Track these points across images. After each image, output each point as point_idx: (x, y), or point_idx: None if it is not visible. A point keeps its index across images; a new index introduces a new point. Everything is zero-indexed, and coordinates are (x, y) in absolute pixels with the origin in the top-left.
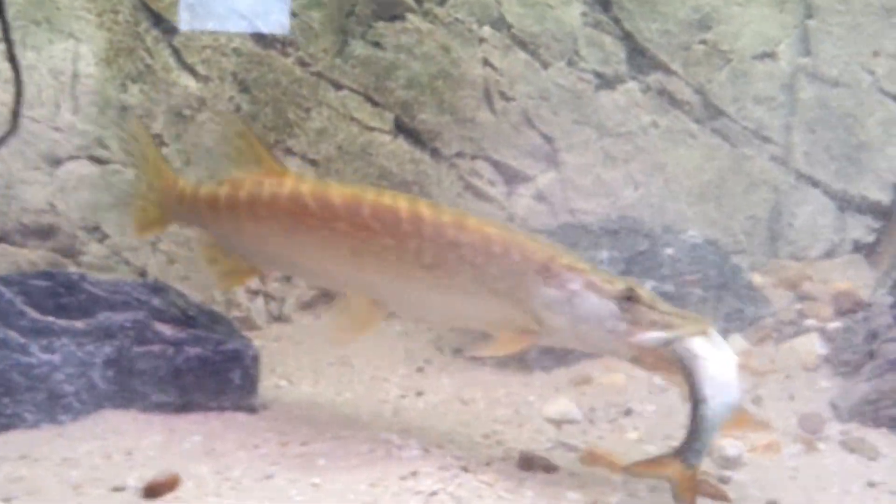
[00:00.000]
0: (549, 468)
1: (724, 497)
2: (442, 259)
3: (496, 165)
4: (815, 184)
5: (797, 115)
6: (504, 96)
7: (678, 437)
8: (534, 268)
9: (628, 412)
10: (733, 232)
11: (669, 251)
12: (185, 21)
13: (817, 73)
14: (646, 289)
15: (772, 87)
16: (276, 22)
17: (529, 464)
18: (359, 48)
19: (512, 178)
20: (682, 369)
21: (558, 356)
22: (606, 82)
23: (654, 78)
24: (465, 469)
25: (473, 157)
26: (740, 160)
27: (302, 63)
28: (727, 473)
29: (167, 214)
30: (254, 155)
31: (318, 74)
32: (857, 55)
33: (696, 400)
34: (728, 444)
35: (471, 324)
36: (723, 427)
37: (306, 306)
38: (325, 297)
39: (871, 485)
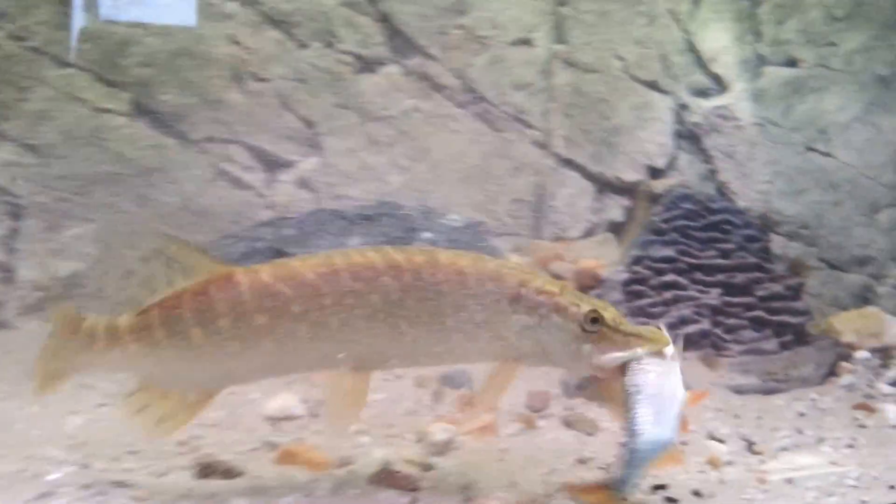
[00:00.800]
0: (229, 473)
1: (413, 487)
2: (424, 302)
3: (252, 150)
4: (574, 167)
5: (555, 101)
6: (256, 77)
7: (401, 425)
8: (507, 295)
9: None
10: (498, 215)
11: (428, 235)
12: None
13: (571, 59)
14: (612, 309)
15: (529, 72)
16: None
17: (207, 471)
18: (85, 20)
19: (271, 163)
20: (624, 400)
21: None
22: (367, 65)
23: (415, 62)
24: (119, 484)
25: (226, 142)
26: (503, 144)
27: (16, 37)
28: (433, 460)
29: (71, 364)
30: (189, 263)
31: (36, 50)
32: (608, 42)
33: (629, 431)
34: (438, 428)
35: (460, 360)
36: (654, 462)
37: (30, 310)
38: (52, 298)
39: (582, 461)
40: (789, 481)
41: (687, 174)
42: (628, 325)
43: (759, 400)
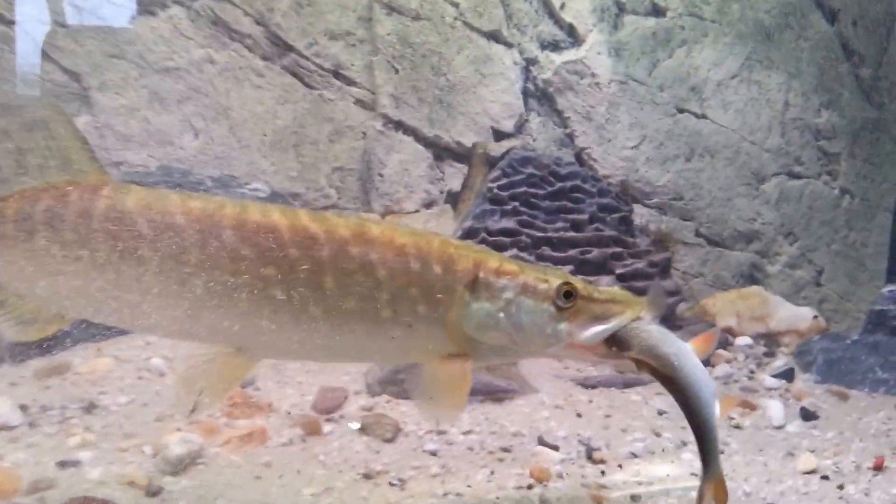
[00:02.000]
0: None
1: None
2: (348, 286)
3: None
4: (405, 130)
5: (378, 53)
6: (2, 19)
7: (144, 434)
8: (461, 280)
9: (91, 407)
10: (319, 185)
11: None
12: None
13: (395, 4)
14: (577, 278)
15: (346, 19)
16: None
17: None
18: None
19: None
20: (671, 381)
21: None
22: (143, 7)
23: (203, 3)
24: None
25: None
26: (320, 104)
27: None
28: (165, 481)
29: None
30: (69, 154)
31: None
32: None
33: (694, 408)
34: (176, 439)
35: (385, 359)
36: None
37: None
38: None
39: (368, 475)
40: (635, 499)
41: (540, 139)
42: (598, 290)
43: (612, 395)
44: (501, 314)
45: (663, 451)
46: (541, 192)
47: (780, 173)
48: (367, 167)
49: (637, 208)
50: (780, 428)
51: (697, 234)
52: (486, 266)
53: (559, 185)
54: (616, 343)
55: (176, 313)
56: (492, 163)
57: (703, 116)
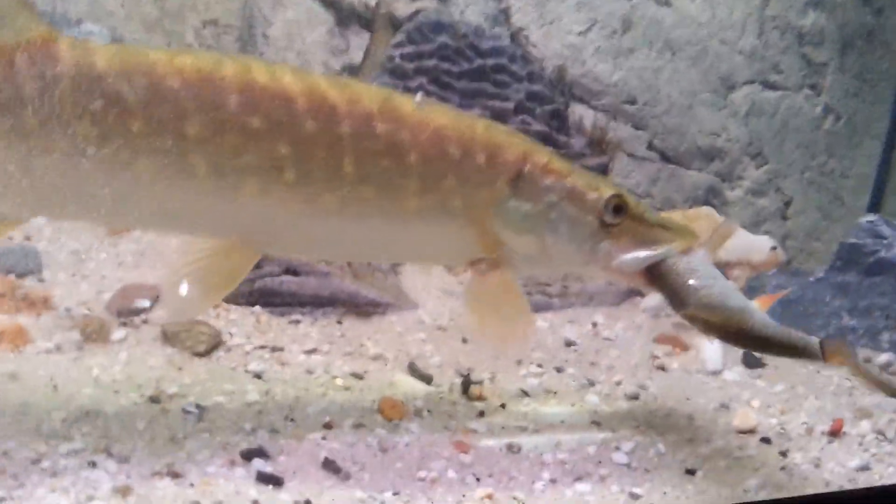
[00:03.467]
0: None
1: None
2: (371, 167)
3: None
4: None
5: None
6: None
7: None
8: (504, 174)
9: None
10: (184, 40)
11: None
12: None
13: None
14: (633, 196)
15: None
16: None
17: None
18: None
19: None
20: (725, 311)
21: None
22: None
23: None
24: None
25: None
26: None
27: None
28: None
29: None
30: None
31: None
32: None
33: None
34: None
35: (421, 259)
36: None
37: None
38: None
39: (155, 399)
40: (512, 449)
41: (468, 11)
42: (652, 213)
43: None
44: (540, 218)
45: (562, 391)
46: (456, 68)
47: (752, 81)
48: (247, 25)
49: (580, 109)
50: (715, 374)
51: (650, 147)
52: (533, 160)
53: (479, 61)
54: (657, 277)
55: (171, 202)
56: (397, 26)
57: (667, 3)
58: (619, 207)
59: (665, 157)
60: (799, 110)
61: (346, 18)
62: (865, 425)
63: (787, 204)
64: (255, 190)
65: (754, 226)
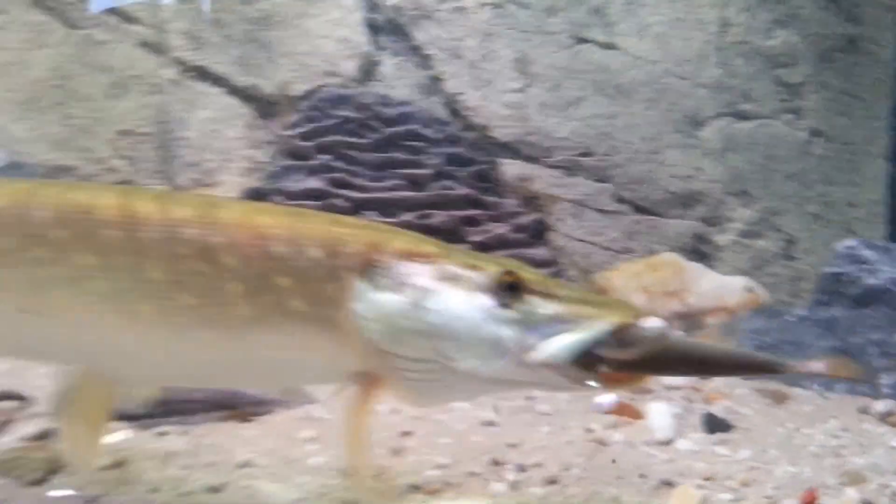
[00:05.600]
0: None
1: None
2: (187, 279)
3: None
4: (211, 79)
5: None
6: None
7: None
8: (349, 265)
9: None
10: (98, 154)
11: None
12: None
13: None
14: (529, 268)
15: None
16: None
17: None
18: None
19: None
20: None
21: None
22: None
23: None
24: None
25: None
26: (90, 47)
27: None
28: None
29: None
30: None
31: None
32: None
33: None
34: None
35: (267, 380)
36: None
37: None
38: None
39: None
40: None
41: (399, 85)
42: (572, 289)
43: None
44: (415, 311)
45: (464, 482)
46: (362, 140)
47: (722, 114)
48: (163, 130)
49: (536, 169)
50: (665, 444)
51: (619, 200)
52: (385, 246)
53: (388, 130)
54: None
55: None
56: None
57: (612, 46)
58: (512, 285)
59: (638, 209)
60: (782, 138)
61: (266, 109)
62: (851, 494)
63: (791, 242)
64: (63, 304)
65: (757, 270)
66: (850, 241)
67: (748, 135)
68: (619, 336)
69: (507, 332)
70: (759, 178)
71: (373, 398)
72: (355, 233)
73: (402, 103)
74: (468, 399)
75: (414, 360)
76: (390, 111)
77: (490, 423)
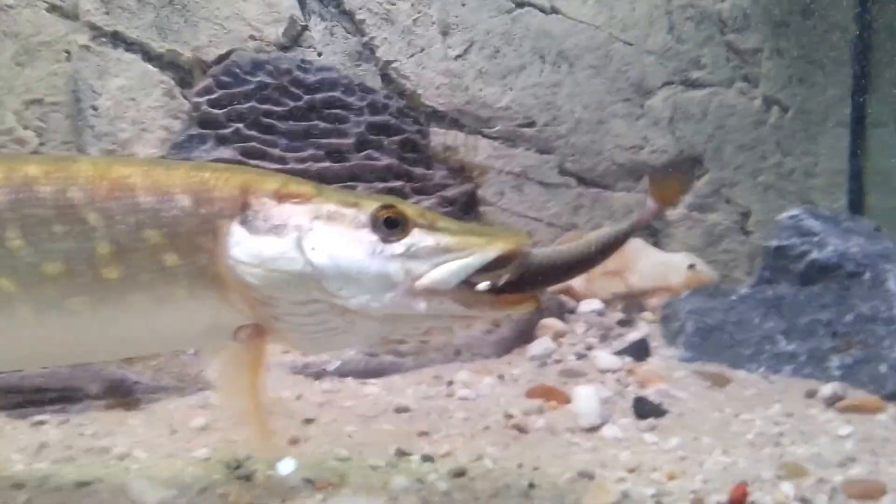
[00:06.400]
0: None
1: None
2: (38, 241)
3: None
4: (125, 44)
5: None
6: None
7: None
8: (224, 212)
9: None
10: (6, 124)
11: None
12: None
13: None
14: (411, 204)
15: None
16: None
17: None
18: None
19: None
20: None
21: None
22: None
23: None
24: None
25: None
26: None
27: None
28: None
29: None
30: None
31: None
32: None
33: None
34: None
35: (147, 346)
36: None
37: None
38: None
39: None
40: None
41: (327, 52)
42: (454, 222)
43: (339, 389)
44: (295, 252)
45: (365, 474)
46: (279, 108)
47: (671, 82)
48: (75, 98)
49: (473, 139)
50: (591, 430)
51: (562, 172)
52: (260, 188)
53: (307, 97)
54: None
55: None
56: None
57: (553, 11)
58: (392, 220)
59: (583, 181)
60: (734, 107)
61: (186, 77)
62: (787, 490)
63: (745, 216)
64: None
65: (710, 246)
66: (794, 211)
67: (698, 103)
68: (505, 261)
69: (393, 266)
70: (710, 149)
71: (262, 351)
72: (225, 176)
73: (323, 69)
74: (363, 342)
75: (300, 304)
76: (310, 77)
77: (403, 409)
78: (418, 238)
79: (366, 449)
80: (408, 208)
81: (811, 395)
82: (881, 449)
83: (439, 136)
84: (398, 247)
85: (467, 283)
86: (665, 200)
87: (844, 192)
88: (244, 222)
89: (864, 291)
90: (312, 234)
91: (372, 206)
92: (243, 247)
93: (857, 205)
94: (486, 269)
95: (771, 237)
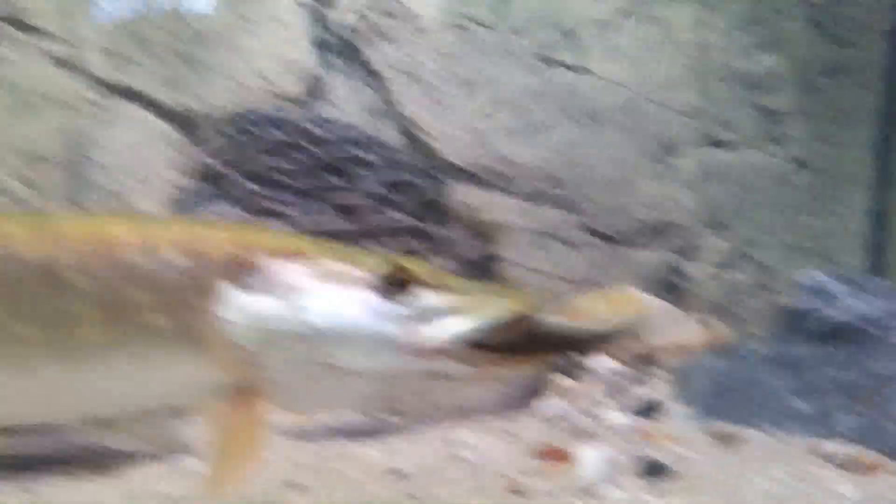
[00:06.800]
0: None
1: None
2: (25, 306)
3: None
4: (132, 97)
5: None
6: None
7: None
8: (218, 270)
9: None
10: (4, 183)
11: None
12: None
13: None
14: (418, 261)
15: None
16: None
17: None
18: None
19: None
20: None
21: None
22: None
23: None
24: None
25: None
26: None
27: None
28: None
29: None
30: None
31: None
32: None
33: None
34: None
35: (125, 408)
36: None
37: None
38: None
39: None
40: None
41: (346, 106)
42: (464, 282)
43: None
44: (290, 310)
45: None
46: (292, 166)
47: (700, 143)
48: (74, 154)
49: (498, 198)
50: (592, 493)
51: (588, 231)
52: (254, 246)
53: (322, 154)
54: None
55: None
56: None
57: (583, 69)
58: (396, 279)
59: (607, 239)
60: (763, 168)
61: (191, 130)
62: None
63: (767, 275)
64: None
65: (731, 303)
66: (814, 272)
67: (727, 164)
68: (516, 322)
69: (394, 327)
70: (734, 209)
71: (254, 412)
72: (219, 234)
73: (345, 126)
74: (361, 403)
75: (294, 365)
76: (326, 133)
77: (395, 472)
78: (423, 298)
79: None
80: (414, 267)
81: (820, 455)
82: None
83: (461, 195)
84: (401, 307)
85: (473, 343)
86: (702, 342)
87: (867, 253)
88: (237, 281)
89: (879, 351)
90: (309, 294)
91: (375, 264)
92: (235, 307)
93: (878, 265)
94: (495, 329)
95: (790, 297)
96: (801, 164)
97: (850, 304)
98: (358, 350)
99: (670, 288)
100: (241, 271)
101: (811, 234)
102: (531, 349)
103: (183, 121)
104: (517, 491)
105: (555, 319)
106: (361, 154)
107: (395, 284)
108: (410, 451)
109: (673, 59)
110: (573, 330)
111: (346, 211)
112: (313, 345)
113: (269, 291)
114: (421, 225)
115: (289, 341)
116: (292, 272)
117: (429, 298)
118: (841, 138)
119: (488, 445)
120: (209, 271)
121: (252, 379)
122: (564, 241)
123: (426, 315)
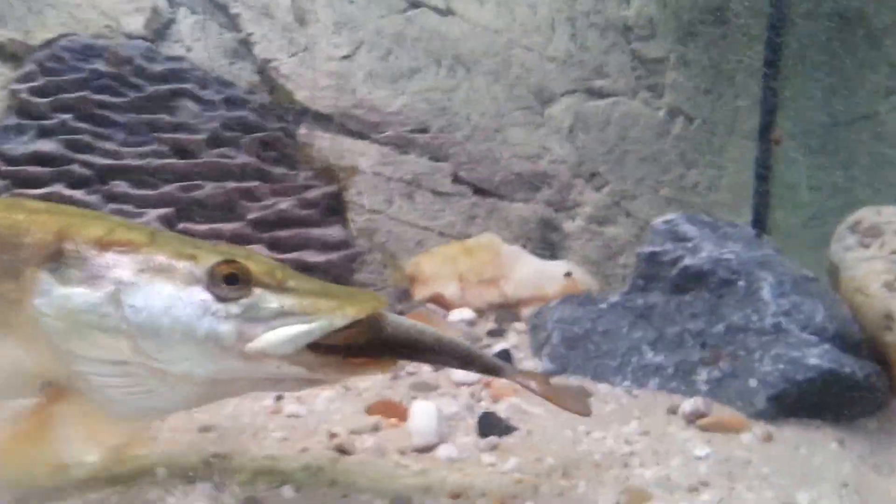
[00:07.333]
0: None
1: None
2: None
3: None
4: None
5: None
6: None
7: None
8: (32, 257)
9: None
10: None
11: None
12: None
13: None
14: (262, 256)
15: None
16: None
17: None
18: None
19: None
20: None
21: None
22: None
23: None
24: None
25: None
26: None
27: None
28: None
29: None
30: None
31: None
32: None
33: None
34: None
35: None
36: None
37: None
38: None
39: None
40: None
41: (197, 47)
42: (307, 280)
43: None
44: (113, 306)
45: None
46: (116, 99)
47: (573, 91)
48: None
49: (361, 145)
50: (424, 451)
51: (456, 180)
52: (79, 234)
53: (152, 89)
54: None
55: None
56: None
57: (450, 12)
58: (232, 276)
59: (478, 190)
60: (637, 117)
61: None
62: None
63: (644, 229)
64: None
65: (608, 260)
66: (669, 216)
67: (601, 113)
68: (358, 326)
69: (225, 328)
70: (611, 160)
71: (53, 413)
72: (40, 219)
73: (171, 58)
74: (187, 407)
75: (109, 364)
76: (156, 66)
77: (208, 429)
78: (260, 298)
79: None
80: (253, 264)
81: (673, 411)
82: (740, 472)
83: (315, 140)
84: (234, 307)
85: (314, 345)
86: (554, 399)
87: (749, 207)
88: (54, 270)
89: (738, 300)
90: (133, 289)
91: (211, 259)
92: (49, 297)
93: (761, 220)
94: (336, 331)
95: (644, 242)
96: (680, 114)
97: (707, 249)
98: (181, 351)
99: (544, 241)
100: (61, 261)
101: (692, 187)
102: (374, 352)
103: (7, 56)
104: (341, 449)
105: (403, 323)
106: (197, 90)
107: (229, 282)
108: (232, 405)
109: (544, 3)
110: (421, 334)
111: (178, 148)
112: (130, 342)
113: (87, 283)
114: (262, 165)
115: (102, 337)
116: (115, 264)
117: (266, 299)
118: (723, 88)
119: (322, 401)
120: (25, 260)
121: (63, 376)
122: (432, 191)
123: (261, 317)
